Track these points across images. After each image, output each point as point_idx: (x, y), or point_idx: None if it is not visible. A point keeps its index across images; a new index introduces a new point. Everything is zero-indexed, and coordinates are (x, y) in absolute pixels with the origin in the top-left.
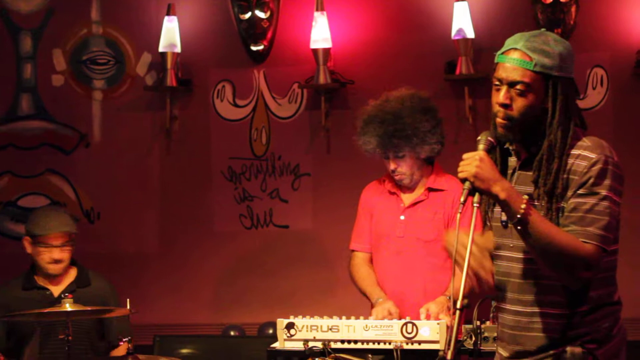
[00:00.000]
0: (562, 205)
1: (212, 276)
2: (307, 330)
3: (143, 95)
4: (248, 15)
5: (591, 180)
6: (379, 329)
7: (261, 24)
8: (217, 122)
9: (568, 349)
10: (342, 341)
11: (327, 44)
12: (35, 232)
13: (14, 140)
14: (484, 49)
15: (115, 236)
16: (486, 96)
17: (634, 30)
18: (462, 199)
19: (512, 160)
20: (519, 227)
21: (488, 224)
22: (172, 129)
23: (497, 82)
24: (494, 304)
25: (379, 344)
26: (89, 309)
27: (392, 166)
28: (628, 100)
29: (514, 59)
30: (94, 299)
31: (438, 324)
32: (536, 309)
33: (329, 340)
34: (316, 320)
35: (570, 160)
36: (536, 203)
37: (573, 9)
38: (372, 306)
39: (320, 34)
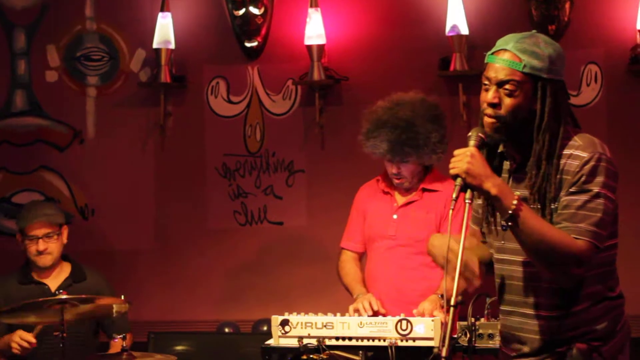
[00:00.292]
0: (556, 206)
1: (207, 273)
2: (301, 327)
3: (137, 91)
4: (242, 11)
5: (583, 178)
6: (374, 325)
7: (255, 21)
8: (211, 118)
9: (573, 346)
10: (337, 338)
11: (321, 40)
12: (20, 225)
13: (7, 136)
14: (478, 45)
15: (109, 233)
16: (480, 93)
17: (628, 27)
18: (454, 195)
19: (508, 164)
20: (510, 224)
21: (490, 228)
22: (166, 125)
23: (486, 82)
24: (488, 300)
25: (373, 340)
26: (84, 296)
27: (394, 170)
28: (622, 97)
29: (503, 60)
30: (90, 293)
31: (432, 320)
32: (538, 310)
33: (324, 337)
34: (311, 317)
35: (563, 161)
36: (531, 206)
37: (567, 6)
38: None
39: (315, 30)
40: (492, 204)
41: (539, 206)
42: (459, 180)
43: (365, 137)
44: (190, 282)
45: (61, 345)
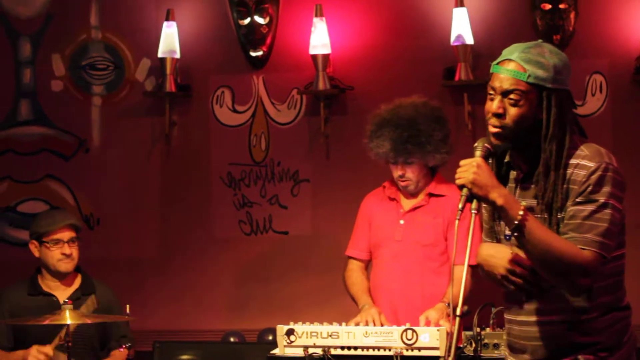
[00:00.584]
0: (563, 216)
1: (212, 282)
2: (307, 337)
3: (142, 100)
4: (247, 21)
5: (589, 188)
6: (379, 335)
7: (260, 30)
8: (217, 127)
9: (579, 357)
10: (342, 347)
11: (326, 49)
12: (41, 231)
13: (13, 145)
14: (482, 55)
15: (114, 242)
16: (485, 102)
17: (633, 37)
18: (460, 206)
19: (514, 174)
20: (516, 234)
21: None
22: (171, 135)
23: (491, 92)
24: (493, 310)
25: (379, 350)
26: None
27: (399, 172)
28: (627, 107)
29: (508, 70)
30: (99, 306)
31: (438, 330)
32: (545, 319)
33: (329, 347)
34: (316, 327)
35: (569, 170)
36: (538, 216)
37: (572, 16)
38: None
39: (320, 39)
40: (499, 214)
41: (545, 216)
42: (465, 190)
43: (369, 139)
44: (196, 291)
45: (67, 354)
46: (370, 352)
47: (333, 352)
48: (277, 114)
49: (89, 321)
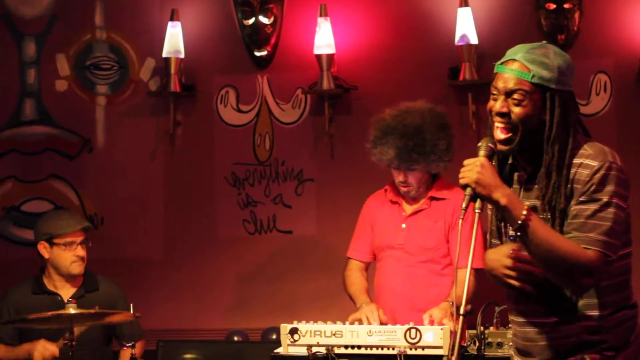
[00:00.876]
0: (567, 216)
1: (216, 281)
2: (310, 336)
3: (146, 100)
4: (252, 20)
5: (593, 188)
6: (383, 334)
7: (265, 30)
8: (221, 127)
9: (585, 357)
10: (346, 346)
11: (331, 49)
12: (54, 233)
13: (17, 145)
14: (487, 54)
15: (119, 241)
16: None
17: (637, 36)
18: (463, 205)
19: (518, 175)
20: (519, 234)
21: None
22: (175, 134)
23: (494, 92)
24: (497, 309)
25: (382, 349)
26: (92, 311)
27: (401, 177)
28: (631, 106)
29: (512, 70)
30: (103, 303)
31: (442, 329)
32: (552, 319)
33: (333, 346)
34: (320, 326)
35: (573, 170)
36: (541, 216)
37: (576, 15)
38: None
39: (324, 39)
40: (502, 214)
41: (549, 216)
42: (468, 190)
43: (373, 145)
44: (200, 290)
45: (70, 354)
46: (374, 351)
47: (337, 350)
48: (281, 113)
49: (92, 311)
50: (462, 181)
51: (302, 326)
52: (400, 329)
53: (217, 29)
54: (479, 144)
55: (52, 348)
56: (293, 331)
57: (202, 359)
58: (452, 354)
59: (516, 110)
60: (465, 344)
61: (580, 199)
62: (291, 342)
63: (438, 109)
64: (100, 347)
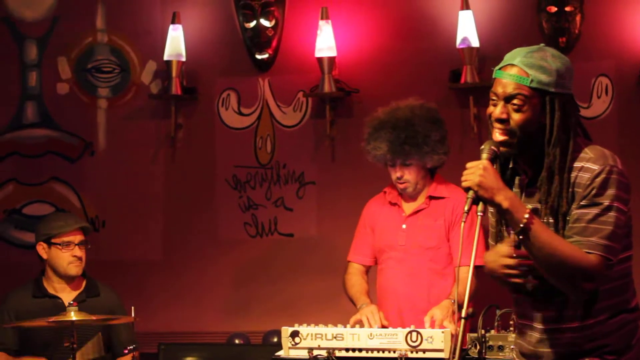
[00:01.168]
0: (568, 220)
1: (217, 284)
2: (311, 339)
3: (148, 103)
4: (253, 23)
5: (594, 192)
6: (384, 337)
7: (266, 33)
8: (222, 130)
9: None
10: (347, 349)
11: (332, 52)
12: (51, 233)
13: (18, 148)
14: (488, 57)
15: (120, 244)
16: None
17: (638, 39)
18: (466, 208)
19: (520, 179)
20: (521, 237)
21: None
22: (176, 137)
23: (493, 97)
24: (498, 312)
25: (383, 352)
26: (94, 318)
27: (397, 174)
28: (633, 109)
29: (511, 75)
30: (103, 309)
31: (443, 332)
32: (554, 324)
33: (334, 349)
34: (321, 329)
35: (574, 174)
36: (543, 220)
37: (578, 18)
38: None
39: (325, 42)
40: (504, 217)
41: (551, 220)
42: (471, 192)
43: (367, 142)
44: (201, 293)
45: (71, 357)
46: (375, 354)
47: (338, 354)
48: (282, 116)
49: (94, 318)
50: (464, 184)
51: (303, 329)
52: (401, 332)
53: (218, 31)
54: (482, 146)
55: None
56: (294, 334)
57: None
58: (453, 357)
59: (516, 116)
60: (466, 347)
61: (582, 203)
62: (292, 345)
63: (429, 104)
64: (100, 351)
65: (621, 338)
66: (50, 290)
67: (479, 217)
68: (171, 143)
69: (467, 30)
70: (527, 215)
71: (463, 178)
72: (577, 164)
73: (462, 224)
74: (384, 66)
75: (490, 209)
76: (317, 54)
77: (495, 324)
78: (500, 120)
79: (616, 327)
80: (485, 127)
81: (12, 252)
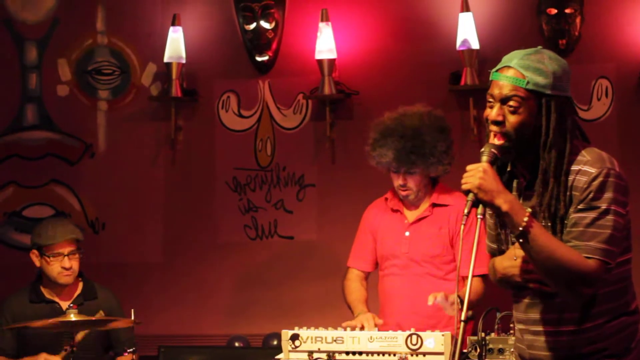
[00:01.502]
0: (566, 223)
1: (217, 287)
2: (311, 342)
3: (148, 105)
4: (253, 25)
5: (591, 195)
6: (384, 340)
7: (266, 35)
8: (222, 132)
9: None
10: (347, 353)
11: (332, 54)
12: (41, 243)
13: (18, 150)
14: (488, 59)
15: (120, 247)
16: None
17: (638, 41)
18: (465, 211)
19: (517, 183)
20: (521, 240)
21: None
22: (176, 140)
23: (490, 99)
24: (498, 315)
25: (383, 355)
26: (93, 318)
27: (400, 181)
28: (633, 112)
29: (507, 77)
30: (103, 310)
31: (443, 335)
32: (553, 327)
33: (334, 352)
34: (321, 332)
35: (571, 177)
36: (542, 223)
37: (578, 20)
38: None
39: (325, 44)
40: (504, 220)
41: (549, 224)
42: (470, 195)
43: (372, 147)
44: (201, 296)
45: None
46: (375, 357)
47: (338, 357)
48: (282, 118)
49: (94, 318)
50: (464, 187)
51: (303, 332)
52: (401, 335)
53: (218, 34)
54: (482, 149)
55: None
56: (294, 337)
57: None
58: None
59: (511, 118)
60: (466, 350)
61: (579, 206)
62: (292, 348)
63: (437, 112)
64: (99, 354)
65: (620, 341)
66: (47, 295)
67: (479, 219)
68: (171, 145)
69: (467, 32)
70: (526, 219)
71: (463, 181)
72: (574, 167)
73: (462, 226)
74: (384, 68)
75: (488, 212)
76: (317, 56)
77: (496, 326)
78: (496, 123)
79: (616, 330)
80: (485, 129)
81: (12, 254)
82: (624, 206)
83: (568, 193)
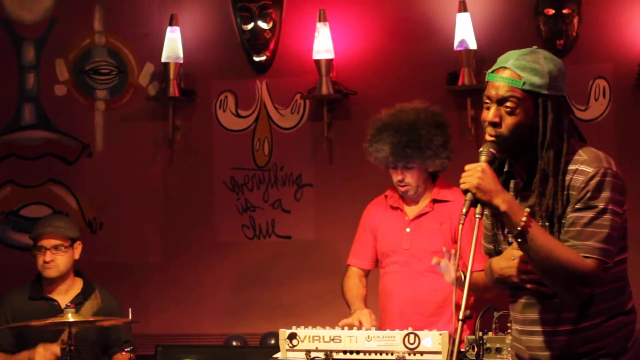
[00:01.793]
0: (563, 223)
1: (215, 286)
2: (309, 341)
3: (145, 105)
4: (251, 25)
5: (588, 195)
6: (381, 339)
7: (264, 35)
8: (220, 132)
9: None
10: (344, 352)
11: (330, 54)
12: (31, 237)
13: (16, 150)
14: (486, 60)
15: (117, 246)
16: None
17: (636, 42)
18: (464, 210)
19: (515, 183)
20: (519, 240)
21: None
22: (174, 139)
23: (486, 101)
24: (496, 314)
25: (381, 354)
26: (91, 319)
27: (399, 177)
28: (630, 112)
29: (503, 78)
30: (102, 311)
31: (440, 334)
32: (550, 327)
33: (331, 351)
34: (318, 331)
35: (568, 176)
36: (539, 223)
37: (575, 21)
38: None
39: (323, 44)
40: (502, 219)
41: (547, 223)
42: (469, 195)
43: (369, 143)
44: (198, 295)
45: (68, 358)
46: (373, 357)
47: (335, 356)
48: (280, 118)
49: (91, 319)
50: (462, 186)
51: (301, 331)
52: (398, 334)
53: (216, 34)
54: (481, 149)
55: (53, 348)
56: (292, 336)
57: None
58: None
59: (508, 120)
60: (464, 349)
61: (576, 206)
62: (290, 347)
63: (434, 108)
64: (96, 353)
65: (617, 341)
66: (46, 293)
67: (477, 219)
68: (169, 145)
69: (464, 32)
70: (524, 218)
71: (461, 180)
72: (571, 167)
73: (460, 226)
74: (382, 68)
75: (486, 212)
76: (315, 56)
77: (493, 326)
78: (493, 124)
79: (612, 330)
80: (482, 129)
81: (9, 254)
82: (621, 205)
83: (565, 192)
